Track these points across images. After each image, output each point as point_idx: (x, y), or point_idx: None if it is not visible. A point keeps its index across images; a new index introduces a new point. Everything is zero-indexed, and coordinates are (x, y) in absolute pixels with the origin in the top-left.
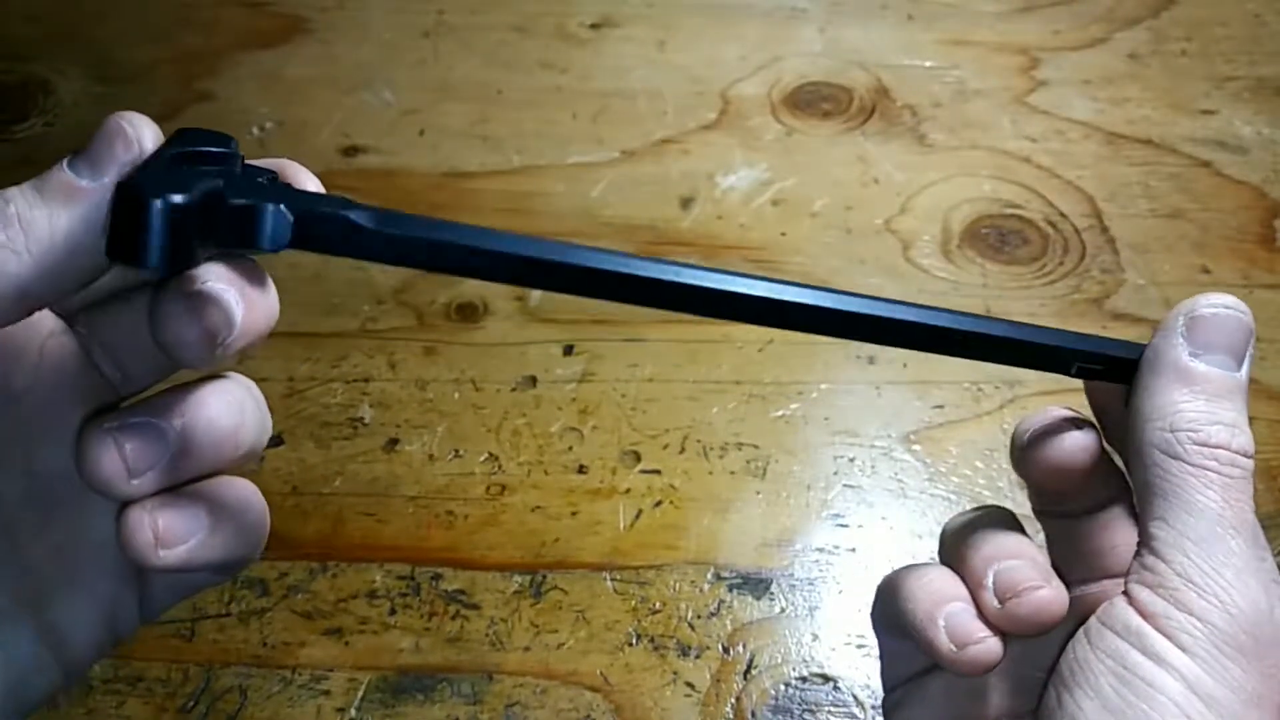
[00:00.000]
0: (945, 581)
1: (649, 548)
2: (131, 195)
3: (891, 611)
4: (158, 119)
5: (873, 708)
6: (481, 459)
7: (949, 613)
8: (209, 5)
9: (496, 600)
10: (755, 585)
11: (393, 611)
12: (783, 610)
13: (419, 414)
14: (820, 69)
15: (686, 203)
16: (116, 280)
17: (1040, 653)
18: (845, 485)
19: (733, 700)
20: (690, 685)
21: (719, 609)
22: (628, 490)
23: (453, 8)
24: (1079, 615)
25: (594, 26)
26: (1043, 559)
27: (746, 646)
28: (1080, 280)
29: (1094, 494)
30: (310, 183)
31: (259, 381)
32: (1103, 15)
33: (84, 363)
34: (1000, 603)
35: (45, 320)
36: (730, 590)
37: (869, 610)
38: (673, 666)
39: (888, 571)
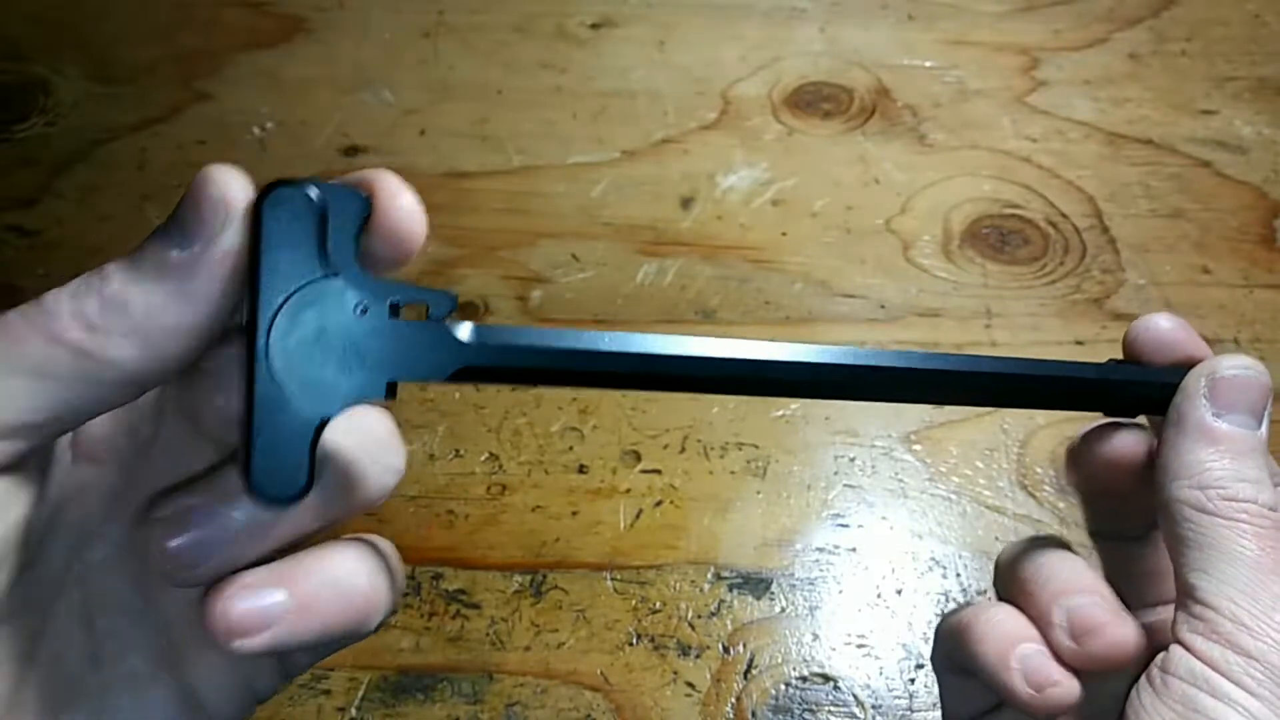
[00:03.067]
0: (1014, 621)
1: (649, 547)
2: (286, 438)
3: (956, 653)
4: (158, 119)
5: (873, 708)
6: (482, 459)
7: (1022, 655)
8: (209, 5)
9: (497, 600)
10: (755, 585)
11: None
12: (783, 610)
13: (419, 414)
14: (820, 69)
15: (686, 203)
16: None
17: (1101, 687)
18: (845, 485)
19: (733, 700)
20: (690, 685)
21: (719, 609)
22: (628, 490)
23: (453, 8)
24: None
25: (594, 26)
26: (1110, 593)
27: (746, 646)
28: (1081, 280)
29: (1147, 507)
30: (404, 194)
31: None
32: (1103, 15)
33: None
34: (1074, 642)
35: None
36: (730, 590)
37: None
38: (673, 666)
39: (886, 570)
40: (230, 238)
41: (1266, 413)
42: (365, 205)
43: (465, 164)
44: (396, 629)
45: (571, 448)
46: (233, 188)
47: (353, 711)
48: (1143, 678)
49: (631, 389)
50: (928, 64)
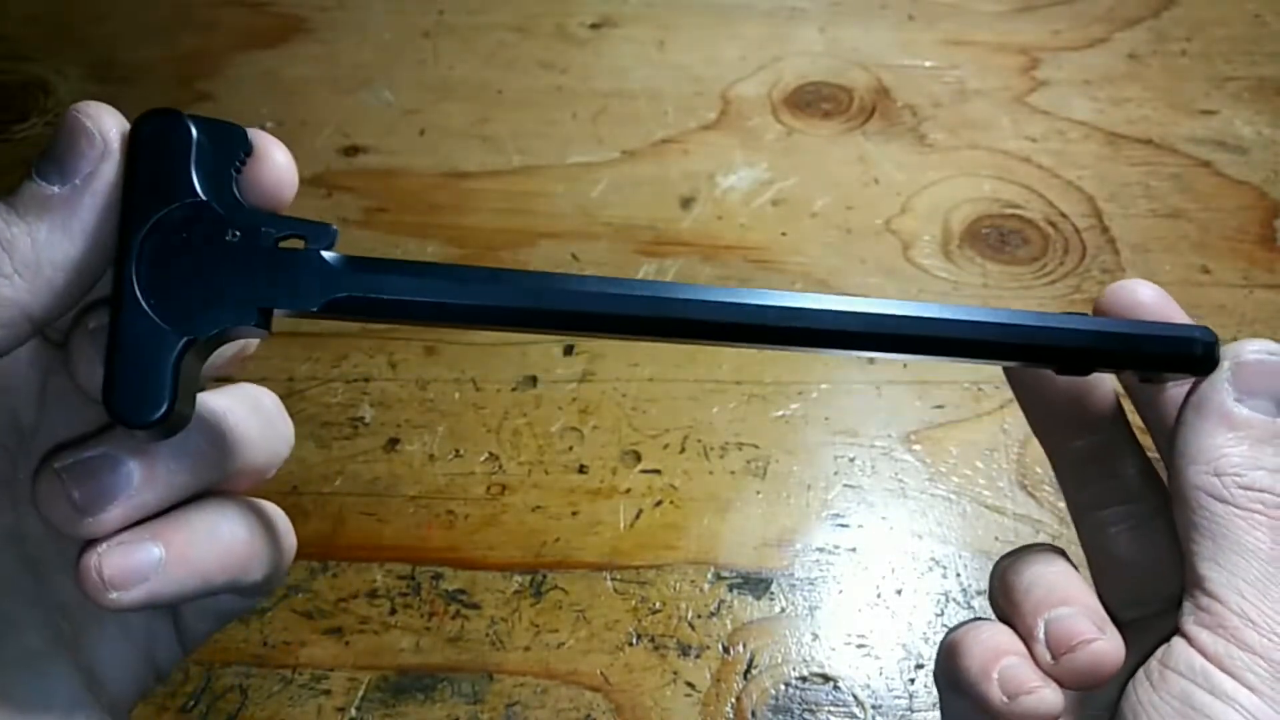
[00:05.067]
0: (1000, 636)
1: (649, 548)
2: (137, 357)
3: (950, 669)
4: None
5: (873, 708)
6: (482, 459)
7: (1003, 666)
8: (209, 5)
9: (497, 600)
10: (755, 585)
11: (393, 611)
12: (783, 610)
13: (419, 414)
14: (820, 69)
15: (686, 203)
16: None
17: (1103, 696)
18: (845, 485)
19: (733, 700)
20: (690, 685)
21: (719, 609)
22: (628, 490)
23: (453, 8)
24: (1133, 650)
25: (594, 26)
26: (1094, 602)
27: (746, 646)
28: (1081, 280)
29: (1105, 452)
30: (278, 150)
31: (258, 381)
32: (1103, 15)
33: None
34: (1054, 657)
35: (46, 354)
36: (730, 590)
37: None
38: (673, 666)
39: (886, 570)
40: (108, 170)
41: None
42: (245, 140)
43: (465, 164)
44: (396, 629)
45: (571, 448)
46: (106, 121)
47: (352, 711)
48: (1140, 671)
49: (506, 327)
50: (928, 64)
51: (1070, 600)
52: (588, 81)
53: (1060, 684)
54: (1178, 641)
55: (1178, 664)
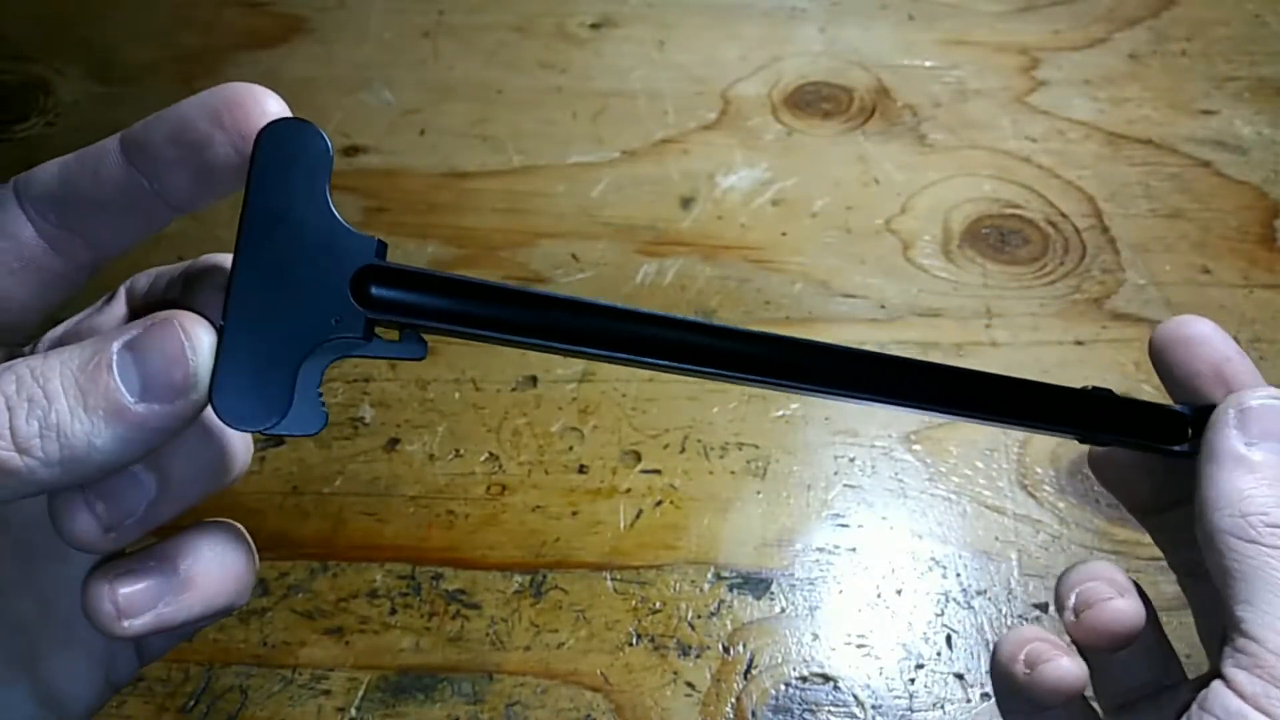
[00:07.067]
0: (1032, 630)
1: (649, 547)
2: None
3: (991, 665)
4: None
5: (873, 708)
6: (482, 459)
7: (1030, 648)
8: (209, 5)
9: (497, 600)
10: (755, 585)
11: (393, 611)
12: (783, 610)
13: (419, 414)
14: (820, 69)
15: (686, 203)
16: None
17: None
18: (845, 485)
19: (733, 700)
20: (690, 685)
21: (719, 609)
22: (628, 490)
23: (453, 8)
24: (1179, 705)
25: (594, 26)
26: (1122, 577)
27: (746, 646)
28: (1081, 280)
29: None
30: (272, 101)
31: None
32: (1103, 15)
33: None
34: (1076, 615)
35: None
36: (730, 590)
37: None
38: (673, 666)
39: (886, 570)
40: (193, 402)
41: None
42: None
43: (465, 164)
44: (396, 629)
45: (571, 448)
46: (203, 351)
47: (353, 711)
48: (1183, 717)
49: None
50: (928, 64)
51: (1099, 576)
52: (588, 81)
53: (1083, 644)
54: (1216, 684)
55: (1214, 707)
